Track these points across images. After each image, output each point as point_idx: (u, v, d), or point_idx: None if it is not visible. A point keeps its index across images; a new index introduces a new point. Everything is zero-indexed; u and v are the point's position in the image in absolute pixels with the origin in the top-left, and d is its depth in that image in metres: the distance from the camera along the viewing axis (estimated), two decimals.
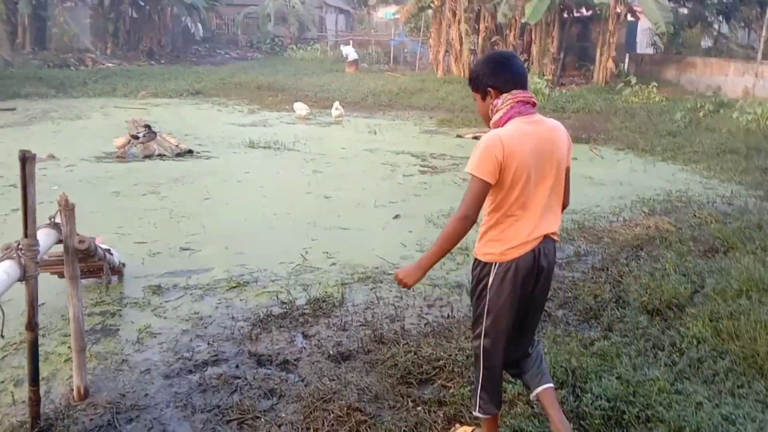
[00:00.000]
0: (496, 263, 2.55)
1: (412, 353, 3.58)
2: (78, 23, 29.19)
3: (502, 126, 2.51)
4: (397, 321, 4.12)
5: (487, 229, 2.58)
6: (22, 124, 12.50)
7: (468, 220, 2.45)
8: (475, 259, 2.65)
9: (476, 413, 2.75)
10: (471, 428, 2.97)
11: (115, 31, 31.02)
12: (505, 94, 2.52)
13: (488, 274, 2.57)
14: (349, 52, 27.53)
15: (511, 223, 2.53)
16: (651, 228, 6.33)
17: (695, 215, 6.90)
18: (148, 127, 10.04)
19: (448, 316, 4.22)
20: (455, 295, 4.59)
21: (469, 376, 3.17)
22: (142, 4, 31.98)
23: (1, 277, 2.29)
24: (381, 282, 4.82)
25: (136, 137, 9.74)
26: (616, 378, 3.29)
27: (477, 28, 23.60)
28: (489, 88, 2.55)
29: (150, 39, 31.94)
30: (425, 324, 4.10)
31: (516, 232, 2.53)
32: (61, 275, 3.74)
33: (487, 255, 2.58)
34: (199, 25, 38.97)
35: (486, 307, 2.60)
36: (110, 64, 26.00)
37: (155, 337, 3.85)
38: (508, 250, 2.53)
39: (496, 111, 2.53)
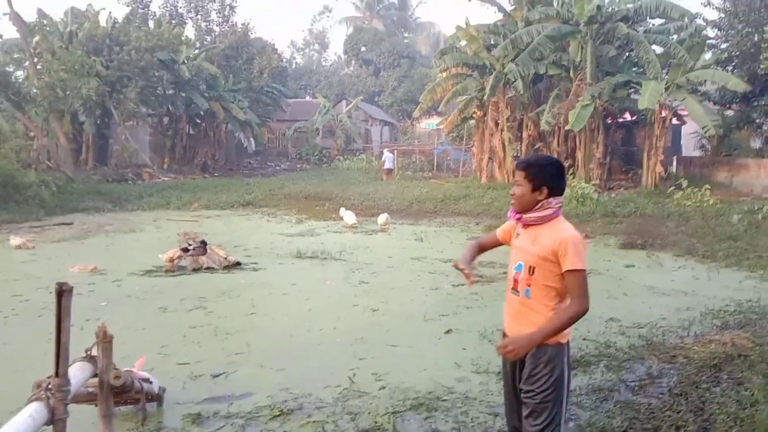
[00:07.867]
0: (567, 343, 2.86)
1: None
2: (138, 140, 30.93)
3: (548, 222, 2.84)
4: None
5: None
6: (77, 238, 12.86)
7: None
8: (545, 346, 2.75)
9: None
10: None
11: (173, 147, 32.75)
12: (558, 197, 2.87)
13: (563, 355, 2.81)
14: (388, 158, 28.10)
15: None
16: (728, 345, 5.78)
17: None
18: (203, 242, 10.13)
19: None
20: None
21: None
22: (199, 122, 33.88)
23: (25, 422, 2.09)
24: (436, 410, 4.42)
25: (187, 250, 9.82)
26: None
27: (520, 135, 23.92)
28: (545, 187, 2.83)
29: (204, 153, 33.60)
30: None
31: None
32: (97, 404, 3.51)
33: (564, 337, 2.81)
34: (252, 139, 40.95)
35: (566, 388, 2.80)
36: (166, 178, 27.14)
37: None
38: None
39: (547, 208, 2.84)
